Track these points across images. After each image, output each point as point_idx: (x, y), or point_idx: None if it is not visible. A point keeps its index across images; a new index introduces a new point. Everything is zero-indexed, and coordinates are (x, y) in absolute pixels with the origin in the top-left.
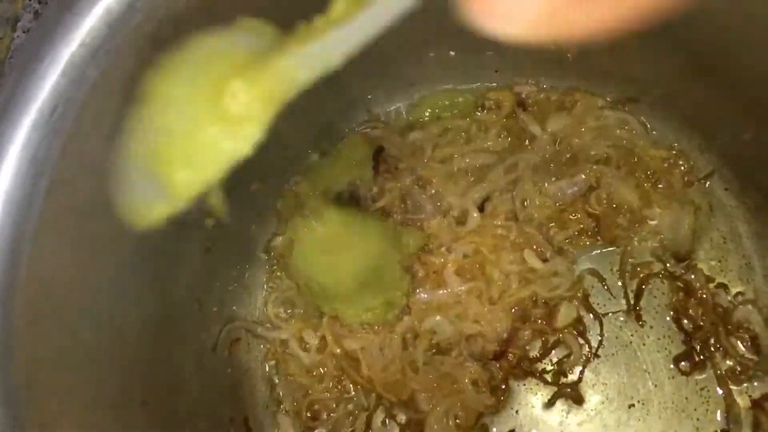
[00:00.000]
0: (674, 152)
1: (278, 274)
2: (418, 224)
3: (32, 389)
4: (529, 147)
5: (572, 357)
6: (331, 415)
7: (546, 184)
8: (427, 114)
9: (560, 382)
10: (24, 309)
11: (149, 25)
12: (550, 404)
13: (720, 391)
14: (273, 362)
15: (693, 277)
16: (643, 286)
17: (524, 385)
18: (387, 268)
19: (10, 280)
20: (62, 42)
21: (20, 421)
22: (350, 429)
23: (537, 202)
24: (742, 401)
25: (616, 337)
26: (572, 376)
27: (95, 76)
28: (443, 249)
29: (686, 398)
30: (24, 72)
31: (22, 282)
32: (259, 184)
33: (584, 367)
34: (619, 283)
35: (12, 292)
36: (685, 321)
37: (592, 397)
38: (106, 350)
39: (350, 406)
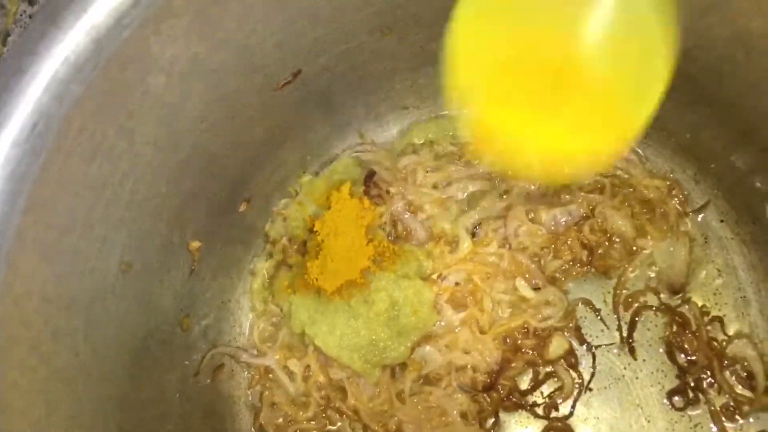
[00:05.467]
0: (669, 182)
1: (261, 302)
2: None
3: (3, 414)
4: None
5: (564, 390)
6: None
7: (539, 212)
8: (420, 139)
9: (551, 416)
10: None
11: (137, 41)
12: None
13: (714, 428)
14: (257, 389)
15: (687, 309)
16: (637, 318)
17: (514, 418)
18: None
19: None
20: (46, 56)
21: None
22: None
23: (530, 230)
24: None
25: (609, 370)
26: (563, 410)
27: (79, 93)
28: (435, 276)
29: None
30: (5, 87)
31: None
32: (246, 206)
33: (576, 400)
34: (613, 315)
35: None
36: (680, 355)
37: None
38: (82, 374)
39: None
